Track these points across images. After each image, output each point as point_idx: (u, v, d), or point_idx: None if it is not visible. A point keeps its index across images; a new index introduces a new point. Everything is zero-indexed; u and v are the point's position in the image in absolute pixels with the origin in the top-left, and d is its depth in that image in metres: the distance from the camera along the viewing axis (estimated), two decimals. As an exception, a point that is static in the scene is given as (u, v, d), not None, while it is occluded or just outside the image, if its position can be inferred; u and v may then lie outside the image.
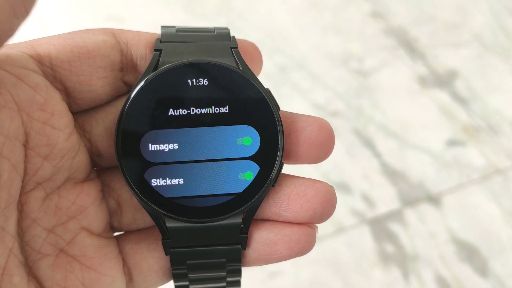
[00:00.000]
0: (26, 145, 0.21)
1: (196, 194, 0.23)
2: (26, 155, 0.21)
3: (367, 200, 0.60)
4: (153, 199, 0.22)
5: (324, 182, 0.23)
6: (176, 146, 0.23)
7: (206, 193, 0.23)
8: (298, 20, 0.76)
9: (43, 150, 0.21)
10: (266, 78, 0.69)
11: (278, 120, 0.23)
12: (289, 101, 0.67)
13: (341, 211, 0.59)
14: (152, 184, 0.22)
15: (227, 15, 0.76)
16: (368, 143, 0.64)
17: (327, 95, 0.68)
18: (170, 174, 0.22)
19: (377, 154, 0.63)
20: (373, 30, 0.75)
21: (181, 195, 0.22)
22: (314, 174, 0.59)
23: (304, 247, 0.23)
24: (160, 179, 0.22)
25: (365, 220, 0.58)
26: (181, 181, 0.23)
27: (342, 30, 0.75)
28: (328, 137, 0.23)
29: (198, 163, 0.23)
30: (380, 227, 0.58)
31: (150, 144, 0.22)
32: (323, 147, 0.23)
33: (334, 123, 0.65)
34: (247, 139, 0.23)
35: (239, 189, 0.23)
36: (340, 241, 0.57)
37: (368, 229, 0.58)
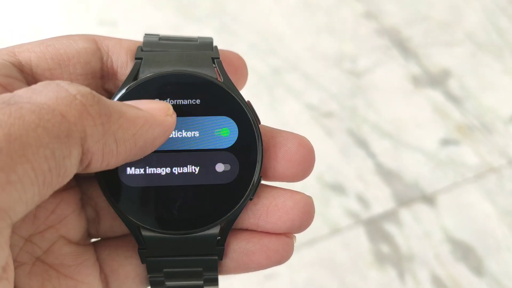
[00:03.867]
0: None
1: (173, 207, 0.23)
2: None
3: (362, 200, 0.60)
4: (129, 210, 0.22)
5: (303, 193, 0.23)
6: (157, 170, 0.22)
7: (183, 206, 0.23)
8: (291, 21, 0.76)
9: None
10: (260, 80, 0.69)
11: (257, 133, 0.23)
12: (283, 102, 0.67)
13: (336, 212, 0.58)
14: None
15: (220, 17, 0.76)
16: (362, 143, 0.64)
17: (321, 96, 0.68)
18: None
19: (371, 154, 0.63)
20: (366, 31, 0.75)
21: (157, 207, 0.22)
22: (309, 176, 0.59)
23: (282, 257, 0.23)
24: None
25: (360, 220, 0.58)
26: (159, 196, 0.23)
27: (335, 31, 0.75)
28: (308, 154, 0.23)
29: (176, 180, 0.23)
30: (375, 227, 0.58)
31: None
32: (301, 164, 0.23)
33: (328, 124, 0.65)
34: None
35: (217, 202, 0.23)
36: (336, 242, 0.57)
37: (364, 229, 0.58)
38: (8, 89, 0.20)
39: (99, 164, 0.19)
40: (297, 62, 0.71)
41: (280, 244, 0.23)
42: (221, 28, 0.74)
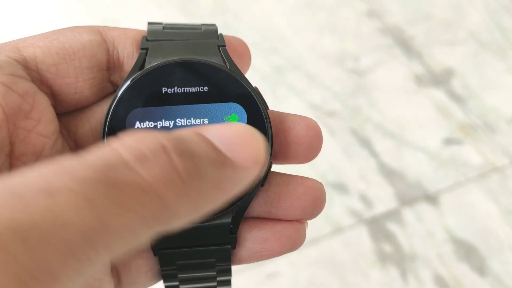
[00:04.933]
0: (11, 155, 0.20)
1: None
2: (11, 165, 0.20)
3: (365, 200, 0.59)
4: None
5: (314, 179, 0.23)
6: None
7: None
8: (293, 20, 0.76)
9: (28, 159, 0.21)
10: (262, 79, 0.69)
11: (266, 119, 0.23)
12: (285, 101, 0.67)
13: (338, 211, 0.58)
14: None
15: (222, 16, 0.76)
16: (365, 143, 0.64)
17: (324, 95, 0.68)
18: None
19: (374, 154, 0.63)
20: (369, 29, 0.75)
21: None
22: (312, 174, 0.59)
23: (295, 243, 0.23)
24: None
25: (362, 220, 0.58)
26: None
27: (337, 30, 0.75)
28: (316, 136, 0.23)
29: None
30: (377, 227, 0.58)
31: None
32: (311, 146, 0.23)
33: (330, 123, 0.65)
34: None
35: None
36: (338, 241, 0.57)
37: (366, 229, 0.58)
38: (13, 88, 0.20)
39: None
40: (299, 61, 0.71)
41: (293, 230, 0.23)
42: (223, 27, 0.74)
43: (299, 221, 0.23)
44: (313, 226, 0.58)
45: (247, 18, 0.76)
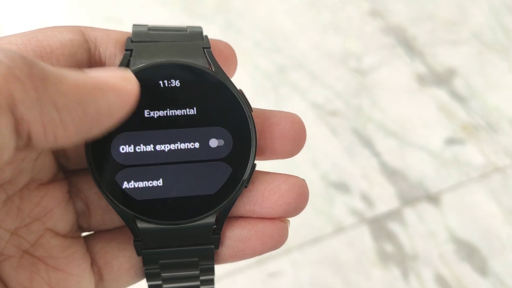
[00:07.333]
0: None
1: (168, 197, 0.23)
2: None
3: (367, 199, 0.60)
4: (124, 201, 0.22)
5: (296, 176, 0.24)
6: (147, 148, 0.22)
7: (178, 196, 0.23)
8: (297, 19, 0.76)
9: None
10: (265, 78, 0.69)
11: (250, 121, 0.23)
12: (288, 100, 0.67)
13: (340, 211, 0.58)
14: (123, 187, 0.22)
15: (225, 15, 0.76)
16: (367, 142, 0.64)
17: (326, 95, 0.68)
18: (141, 177, 0.22)
19: (376, 153, 0.63)
20: (372, 29, 0.75)
21: (152, 197, 0.22)
22: (314, 174, 0.59)
23: (277, 242, 0.23)
24: (132, 181, 0.22)
25: (364, 219, 0.58)
26: (153, 183, 0.22)
27: (341, 29, 0.75)
28: (300, 130, 0.24)
29: (170, 165, 0.23)
30: (379, 226, 0.58)
31: (121, 146, 0.22)
32: (295, 140, 0.24)
33: (333, 122, 0.65)
34: (220, 141, 0.23)
35: (212, 190, 0.23)
36: (340, 241, 0.57)
37: (368, 228, 0.58)
38: None
39: (42, 135, 0.17)
40: (302, 60, 0.71)
41: (275, 229, 0.23)
42: (226, 26, 0.74)
43: (281, 219, 0.24)
44: (315, 226, 0.58)
45: (250, 17, 0.76)
